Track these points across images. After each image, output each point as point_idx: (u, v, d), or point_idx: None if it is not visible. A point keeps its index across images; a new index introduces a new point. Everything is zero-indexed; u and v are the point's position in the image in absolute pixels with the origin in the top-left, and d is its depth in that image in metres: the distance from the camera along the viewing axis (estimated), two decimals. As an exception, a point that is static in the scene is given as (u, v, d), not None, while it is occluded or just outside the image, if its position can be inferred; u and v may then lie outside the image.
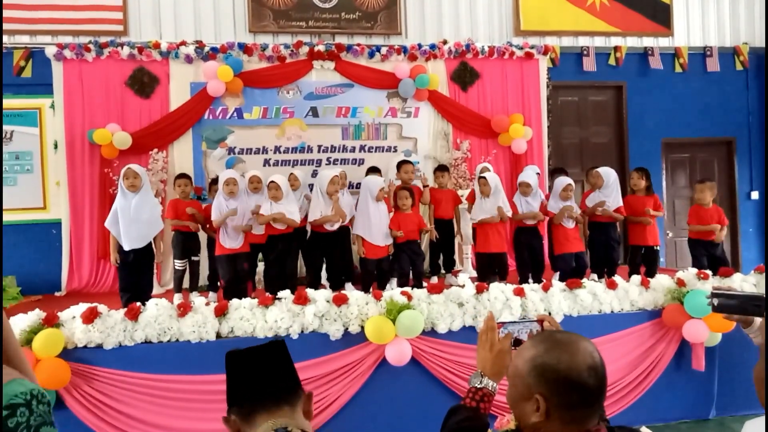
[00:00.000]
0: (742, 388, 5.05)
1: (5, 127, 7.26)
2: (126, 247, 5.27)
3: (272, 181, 5.71)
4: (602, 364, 1.42)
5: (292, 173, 6.44)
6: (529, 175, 6.50)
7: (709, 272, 5.30)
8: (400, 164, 6.66)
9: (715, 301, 2.36)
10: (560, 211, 6.21)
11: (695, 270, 5.37)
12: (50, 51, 6.96)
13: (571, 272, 6.09)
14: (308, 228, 6.17)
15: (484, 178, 6.21)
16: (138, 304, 4.38)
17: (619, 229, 6.81)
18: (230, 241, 5.61)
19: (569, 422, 1.39)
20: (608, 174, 6.39)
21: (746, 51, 8.98)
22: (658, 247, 6.48)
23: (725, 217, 6.40)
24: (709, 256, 6.28)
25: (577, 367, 1.37)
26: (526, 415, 1.44)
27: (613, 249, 6.44)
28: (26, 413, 1.24)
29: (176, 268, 6.04)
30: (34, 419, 1.25)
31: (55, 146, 7.13)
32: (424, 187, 6.55)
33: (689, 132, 9.00)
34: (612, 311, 5.06)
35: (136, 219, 5.28)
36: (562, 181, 6.37)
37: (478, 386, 1.73)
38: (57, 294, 6.94)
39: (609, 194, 6.33)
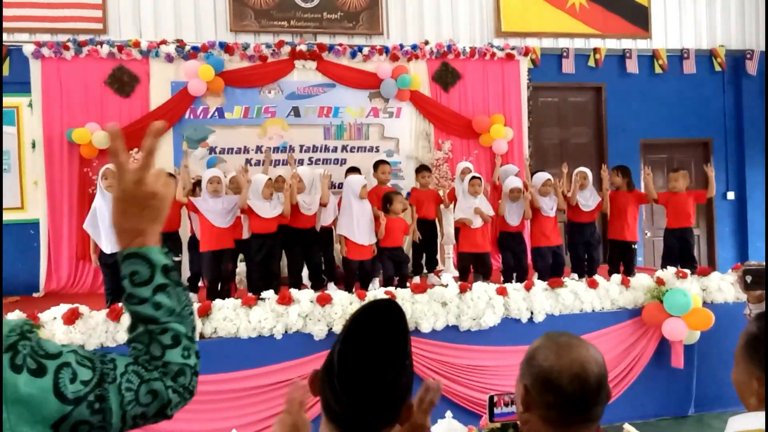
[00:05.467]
0: (720, 385, 5.08)
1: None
2: (107, 250, 5.20)
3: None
4: (597, 377, 1.38)
5: (280, 175, 6.39)
6: (517, 179, 6.43)
7: (687, 271, 5.39)
8: (377, 164, 6.67)
9: (748, 278, 2.41)
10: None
11: (674, 269, 5.45)
12: (28, 49, 6.86)
13: (550, 269, 6.21)
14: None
15: (478, 178, 6.25)
16: (120, 304, 4.34)
17: (599, 228, 6.89)
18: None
19: (548, 422, 1.39)
20: (589, 173, 6.57)
21: (723, 53, 9.12)
22: (636, 245, 6.60)
23: (700, 194, 6.50)
24: (680, 247, 6.36)
25: (559, 369, 1.37)
26: (516, 401, 1.47)
27: (593, 248, 6.53)
28: None
29: None
30: None
31: (33, 145, 7.02)
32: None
33: (667, 133, 9.11)
34: (593, 310, 5.14)
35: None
36: (541, 177, 6.45)
37: None
38: (35, 295, 6.83)
39: (589, 193, 6.46)
